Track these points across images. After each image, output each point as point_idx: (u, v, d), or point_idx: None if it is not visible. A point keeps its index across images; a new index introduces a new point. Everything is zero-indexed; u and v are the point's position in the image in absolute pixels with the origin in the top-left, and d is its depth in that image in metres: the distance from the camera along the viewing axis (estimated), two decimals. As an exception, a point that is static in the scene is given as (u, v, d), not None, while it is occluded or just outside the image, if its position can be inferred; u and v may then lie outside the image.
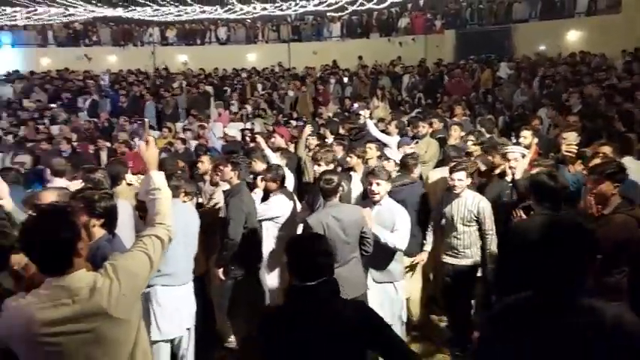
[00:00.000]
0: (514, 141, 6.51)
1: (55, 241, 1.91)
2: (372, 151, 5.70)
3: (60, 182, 4.98)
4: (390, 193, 4.28)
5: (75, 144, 9.76)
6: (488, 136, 6.88)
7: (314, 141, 6.78)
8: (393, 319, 4.08)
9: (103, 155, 9.19)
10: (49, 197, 3.18)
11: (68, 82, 16.29)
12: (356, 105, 12.14)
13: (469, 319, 4.52)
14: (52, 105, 14.56)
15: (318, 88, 15.74)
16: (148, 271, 2.20)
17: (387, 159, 5.51)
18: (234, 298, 4.63)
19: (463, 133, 6.88)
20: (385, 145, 6.70)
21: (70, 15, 17.07)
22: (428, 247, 4.70)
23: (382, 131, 7.70)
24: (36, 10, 17.44)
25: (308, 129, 7.13)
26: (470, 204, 4.33)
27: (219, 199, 4.95)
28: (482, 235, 4.33)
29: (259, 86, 16.57)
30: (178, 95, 14.70)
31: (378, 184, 4.09)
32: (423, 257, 4.69)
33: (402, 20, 19.39)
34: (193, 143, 9.93)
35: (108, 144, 9.77)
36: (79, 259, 1.99)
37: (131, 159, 8.74)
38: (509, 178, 4.61)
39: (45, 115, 13.52)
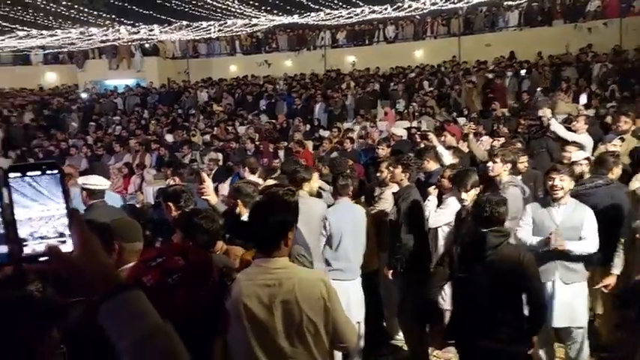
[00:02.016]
0: None
1: (274, 222, 2.16)
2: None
3: (252, 178, 5.57)
4: (579, 196, 3.83)
5: (257, 143, 10.76)
6: None
7: (487, 139, 6.39)
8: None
9: (281, 154, 9.93)
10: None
11: (251, 87, 18.00)
12: (540, 99, 11.11)
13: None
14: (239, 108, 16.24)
15: (490, 82, 14.84)
16: None
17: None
18: (403, 296, 4.61)
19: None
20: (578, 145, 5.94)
21: (253, 25, 18.85)
22: (616, 269, 4.00)
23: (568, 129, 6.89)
24: (226, 22, 19.65)
25: (470, 127, 6.74)
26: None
27: (387, 199, 4.96)
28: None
29: (426, 83, 16.28)
30: (346, 95, 15.21)
31: (561, 179, 3.69)
32: (610, 282, 3.99)
33: (591, 4, 17.24)
34: (360, 143, 10.20)
35: (285, 143, 10.57)
36: (285, 248, 2.19)
37: (302, 157, 9.35)
38: None
39: (233, 117, 15.15)
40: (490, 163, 4.46)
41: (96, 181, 4.53)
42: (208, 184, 3.27)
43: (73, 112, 16.55)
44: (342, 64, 20.32)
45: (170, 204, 3.74)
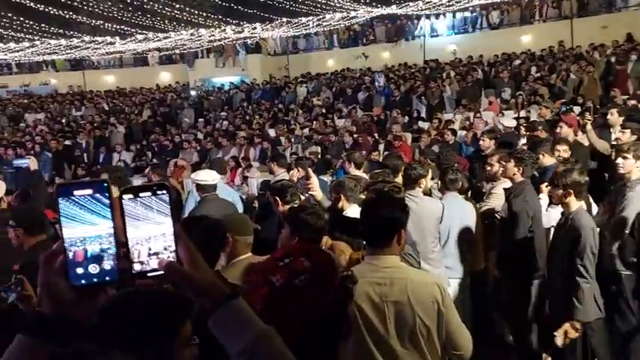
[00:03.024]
0: None
1: (387, 219, 2.16)
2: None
3: (358, 173, 5.61)
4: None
5: (355, 136, 10.78)
6: None
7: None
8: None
9: (380, 147, 9.85)
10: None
11: (349, 80, 18.05)
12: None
13: None
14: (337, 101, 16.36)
15: (610, 67, 13.48)
16: None
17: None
18: (512, 296, 4.37)
19: None
20: None
21: (351, 18, 18.86)
22: None
23: None
24: (324, 17, 19.89)
25: (586, 117, 6.13)
26: None
27: (498, 195, 4.70)
28: None
29: (533, 69, 15.21)
30: (446, 85, 14.68)
31: (624, 157, 3.43)
32: None
33: None
34: (462, 134, 9.79)
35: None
36: (397, 246, 2.18)
37: (401, 150, 9.19)
38: None
39: (331, 110, 15.30)
40: (620, 160, 4.03)
41: (206, 177, 4.79)
42: (314, 179, 3.32)
43: (185, 109, 17.74)
44: (441, 54, 19.66)
45: (277, 198, 3.87)
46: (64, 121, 17.85)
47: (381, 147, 9.88)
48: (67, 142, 14.17)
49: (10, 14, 18.52)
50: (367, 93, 15.69)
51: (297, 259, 1.18)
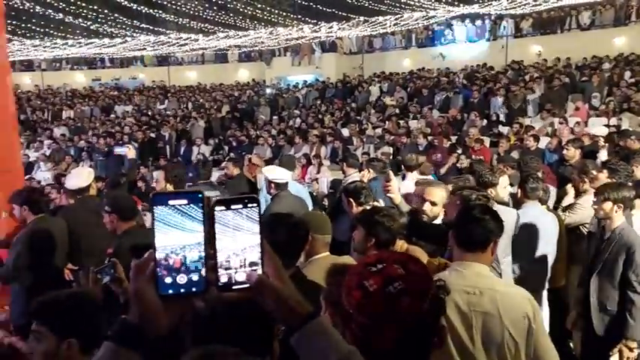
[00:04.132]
0: None
1: (485, 227, 2.15)
2: None
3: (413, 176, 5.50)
4: None
5: (430, 138, 10.55)
6: None
7: None
8: None
9: (458, 150, 9.55)
10: (438, 192, 3.48)
11: (425, 80, 17.70)
12: None
13: None
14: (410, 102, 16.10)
15: None
16: None
17: None
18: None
19: None
20: None
21: (430, 17, 18.47)
22: None
23: None
24: (402, 16, 19.62)
25: None
26: None
27: (585, 208, 4.41)
28: None
29: (627, 74, 14.12)
30: (530, 88, 13.99)
31: None
32: None
33: None
34: (544, 141, 9.28)
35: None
36: (489, 256, 2.17)
37: (479, 154, 8.87)
38: None
39: (405, 111, 15.09)
40: None
41: (279, 175, 4.86)
42: (394, 182, 3.28)
43: (261, 106, 18.23)
44: (525, 55, 18.74)
45: (351, 199, 3.87)
46: (149, 113, 18.93)
47: (459, 150, 9.58)
48: (152, 134, 15.01)
49: (105, 11, 19.91)
50: (444, 94, 15.29)
51: (391, 265, 1.16)
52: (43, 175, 11.15)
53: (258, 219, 0.92)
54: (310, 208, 5.12)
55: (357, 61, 23.26)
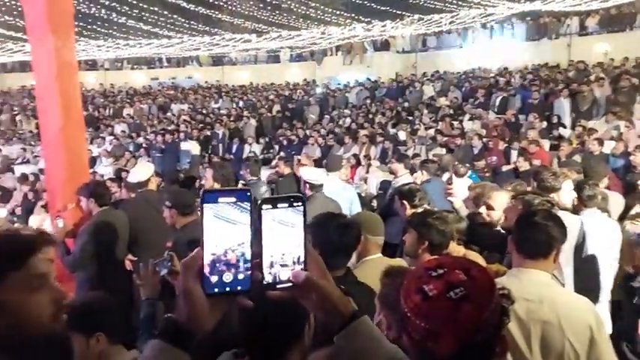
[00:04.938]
0: None
1: (549, 233, 2.10)
2: None
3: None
4: None
5: (485, 140, 10.24)
6: None
7: None
8: None
9: (514, 153, 9.24)
10: (498, 196, 3.38)
11: (481, 80, 17.19)
12: None
13: None
14: (465, 102, 15.69)
15: None
16: None
17: None
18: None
19: None
20: None
21: (488, 15, 17.93)
22: None
23: None
24: (458, 14, 19.17)
25: None
26: None
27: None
28: None
29: None
30: (596, 89, 13.28)
31: None
32: None
33: None
34: (609, 145, 8.79)
35: (517, 143, 9.78)
36: (551, 264, 2.11)
37: (537, 158, 8.50)
38: None
39: (459, 111, 14.71)
40: None
41: (314, 176, 4.81)
42: (455, 185, 3.21)
43: (311, 105, 18.33)
44: (589, 54, 17.83)
45: (404, 201, 3.81)
46: (204, 112, 19.46)
47: (514, 153, 9.26)
48: (207, 132, 15.42)
49: (165, 12, 20.65)
50: (501, 94, 14.79)
51: (453, 271, 1.12)
52: (105, 169, 11.69)
53: (303, 218, 0.92)
54: (343, 210, 5.02)
55: (410, 59, 22.95)
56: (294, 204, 0.91)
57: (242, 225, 0.88)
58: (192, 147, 13.34)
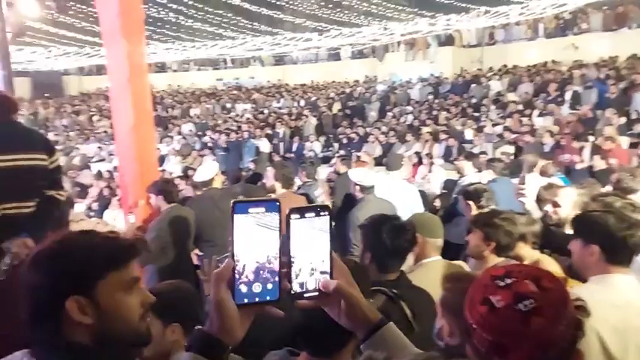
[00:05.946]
0: None
1: (616, 234, 1.93)
2: None
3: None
4: None
5: (557, 137, 9.70)
6: None
7: None
8: None
9: (586, 152, 8.70)
10: (567, 192, 3.19)
11: (554, 73, 16.29)
12: None
13: None
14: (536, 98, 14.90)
15: None
16: None
17: None
18: None
19: None
20: None
21: (561, 5, 16.98)
22: None
23: None
24: (528, 5, 18.29)
25: None
26: None
27: None
28: None
29: None
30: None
31: None
32: None
33: None
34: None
35: (591, 139, 9.20)
36: (623, 268, 1.92)
37: (614, 156, 7.93)
38: None
39: (529, 107, 14.01)
40: None
41: (364, 178, 4.67)
42: (528, 185, 3.05)
43: (372, 102, 18.16)
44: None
45: (470, 202, 3.67)
46: (266, 111, 19.83)
47: (586, 151, 8.71)
48: (269, 131, 15.71)
49: (229, 14, 21.24)
50: (575, 88, 13.93)
51: (522, 281, 1.05)
52: (173, 167, 12.19)
53: (328, 228, 0.94)
54: (403, 211, 4.84)
55: (476, 54, 22.16)
56: (321, 213, 0.93)
57: (271, 235, 0.90)
58: (263, 145, 13.64)
